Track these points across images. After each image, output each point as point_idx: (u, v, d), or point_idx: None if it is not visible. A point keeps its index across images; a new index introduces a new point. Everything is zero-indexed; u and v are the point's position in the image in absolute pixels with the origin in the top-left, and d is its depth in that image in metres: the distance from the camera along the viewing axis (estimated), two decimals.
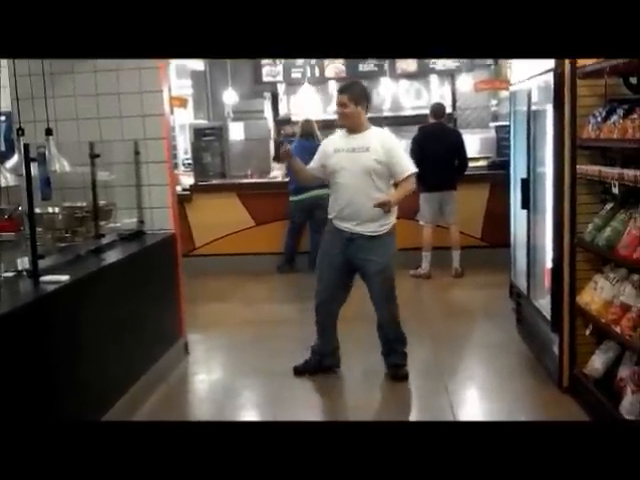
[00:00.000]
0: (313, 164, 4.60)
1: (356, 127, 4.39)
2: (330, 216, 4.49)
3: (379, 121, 10.70)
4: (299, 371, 4.57)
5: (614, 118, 3.58)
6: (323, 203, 7.51)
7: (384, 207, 4.17)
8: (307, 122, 7.77)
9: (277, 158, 9.28)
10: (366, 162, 4.29)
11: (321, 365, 4.56)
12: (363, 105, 4.39)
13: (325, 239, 4.58)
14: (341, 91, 4.44)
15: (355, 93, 4.38)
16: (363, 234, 4.33)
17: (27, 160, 3.47)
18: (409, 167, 4.38)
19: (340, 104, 4.39)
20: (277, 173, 8.91)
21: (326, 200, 7.44)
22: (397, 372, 4.49)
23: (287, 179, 7.82)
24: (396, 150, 4.40)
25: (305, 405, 4.22)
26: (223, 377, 4.89)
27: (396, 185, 4.43)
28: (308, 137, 7.56)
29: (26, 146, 3.50)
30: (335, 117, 4.69)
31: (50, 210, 4.27)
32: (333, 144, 4.49)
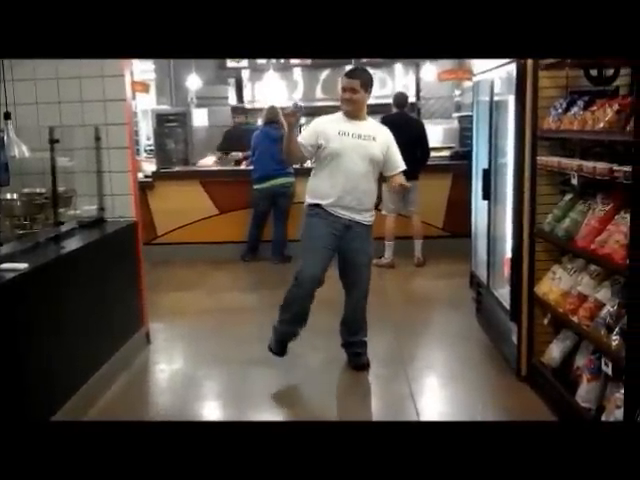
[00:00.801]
0: (304, 141, 4.32)
1: (359, 114, 4.35)
2: (323, 202, 4.27)
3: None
4: (276, 353, 4.49)
5: (574, 110, 3.63)
6: (287, 191, 7.58)
7: (405, 189, 4.61)
8: (272, 109, 7.72)
9: (222, 147, 9.17)
10: (372, 151, 4.28)
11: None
12: (369, 93, 4.37)
13: (314, 222, 4.30)
14: (353, 76, 4.32)
15: (365, 79, 4.32)
16: (362, 222, 4.31)
17: None
18: (402, 163, 4.44)
19: (351, 89, 4.26)
20: (208, 161, 8.76)
21: (290, 188, 7.54)
22: (359, 360, 4.51)
23: (251, 167, 7.78)
24: (394, 145, 4.43)
25: (267, 394, 4.22)
26: (184, 366, 4.87)
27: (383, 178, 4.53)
28: (272, 124, 7.53)
29: None
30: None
31: (8, 196, 4.20)
32: (336, 126, 4.31)
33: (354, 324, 4.52)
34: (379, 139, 4.33)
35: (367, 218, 4.34)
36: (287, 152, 4.37)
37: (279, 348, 4.49)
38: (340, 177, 4.25)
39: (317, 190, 4.34)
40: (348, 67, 10.75)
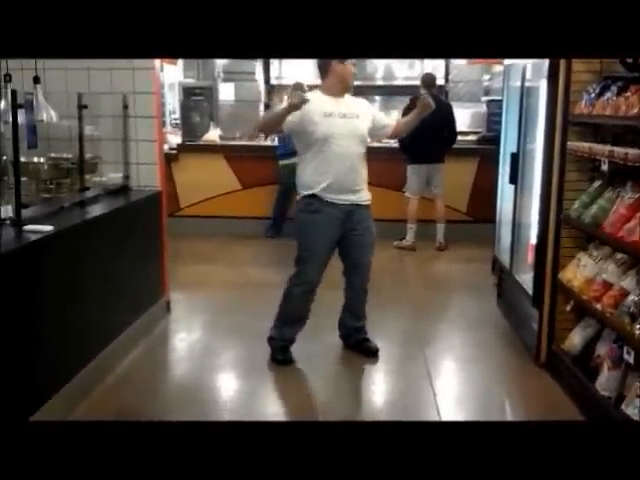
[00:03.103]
0: (294, 119, 4.01)
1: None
2: (315, 191, 4.09)
3: (372, 90, 10.73)
4: (283, 361, 4.30)
5: (608, 95, 3.57)
6: None
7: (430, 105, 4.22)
8: (297, 85, 7.68)
9: None
10: (360, 128, 4.17)
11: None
12: None
13: (313, 220, 4.12)
14: None
15: None
16: (361, 204, 4.19)
17: (14, 106, 3.41)
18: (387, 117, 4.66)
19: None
20: (212, 135, 8.58)
21: None
22: (371, 345, 4.44)
23: (275, 143, 7.76)
24: (374, 109, 4.59)
25: (281, 369, 4.23)
26: (202, 336, 4.92)
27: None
28: None
29: (13, 92, 3.44)
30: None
31: (35, 160, 4.22)
32: (320, 107, 4.07)
33: (360, 307, 4.43)
34: (363, 114, 4.22)
35: (364, 198, 4.21)
36: (270, 125, 4.43)
37: (284, 354, 4.31)
38: (333, 162, 4.07)
39: (310, 179, 4.13)
40: None
